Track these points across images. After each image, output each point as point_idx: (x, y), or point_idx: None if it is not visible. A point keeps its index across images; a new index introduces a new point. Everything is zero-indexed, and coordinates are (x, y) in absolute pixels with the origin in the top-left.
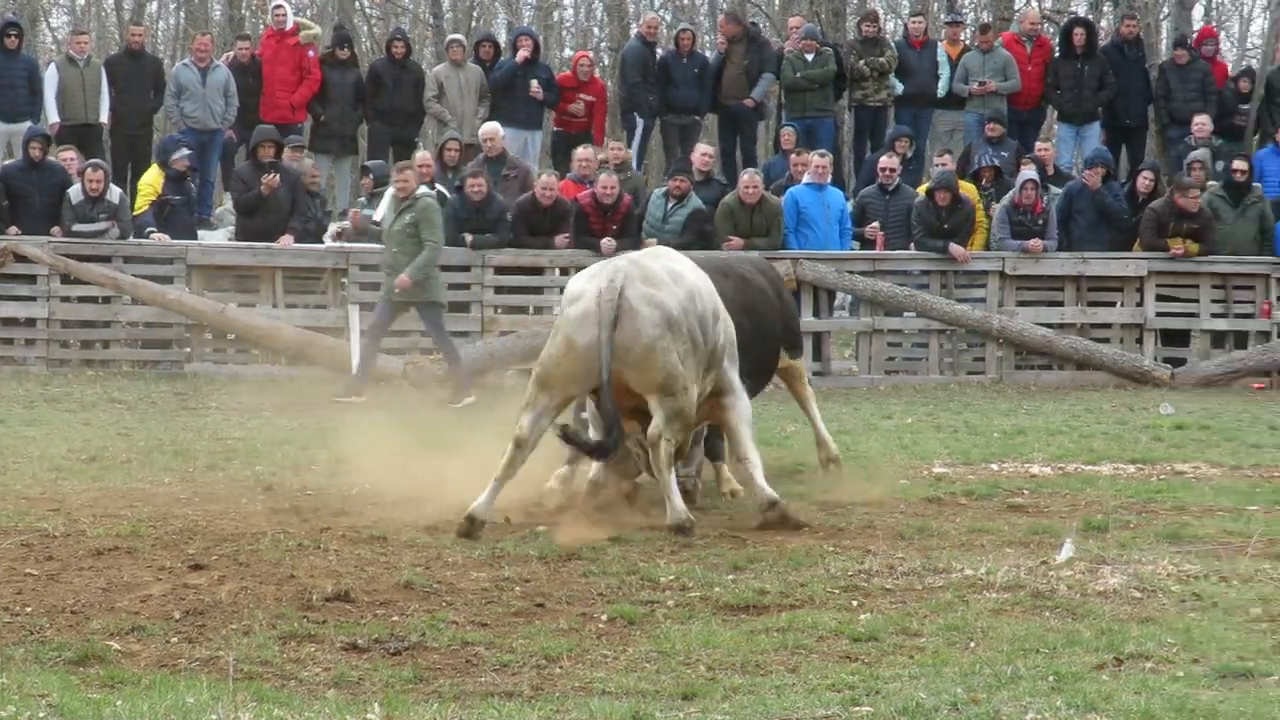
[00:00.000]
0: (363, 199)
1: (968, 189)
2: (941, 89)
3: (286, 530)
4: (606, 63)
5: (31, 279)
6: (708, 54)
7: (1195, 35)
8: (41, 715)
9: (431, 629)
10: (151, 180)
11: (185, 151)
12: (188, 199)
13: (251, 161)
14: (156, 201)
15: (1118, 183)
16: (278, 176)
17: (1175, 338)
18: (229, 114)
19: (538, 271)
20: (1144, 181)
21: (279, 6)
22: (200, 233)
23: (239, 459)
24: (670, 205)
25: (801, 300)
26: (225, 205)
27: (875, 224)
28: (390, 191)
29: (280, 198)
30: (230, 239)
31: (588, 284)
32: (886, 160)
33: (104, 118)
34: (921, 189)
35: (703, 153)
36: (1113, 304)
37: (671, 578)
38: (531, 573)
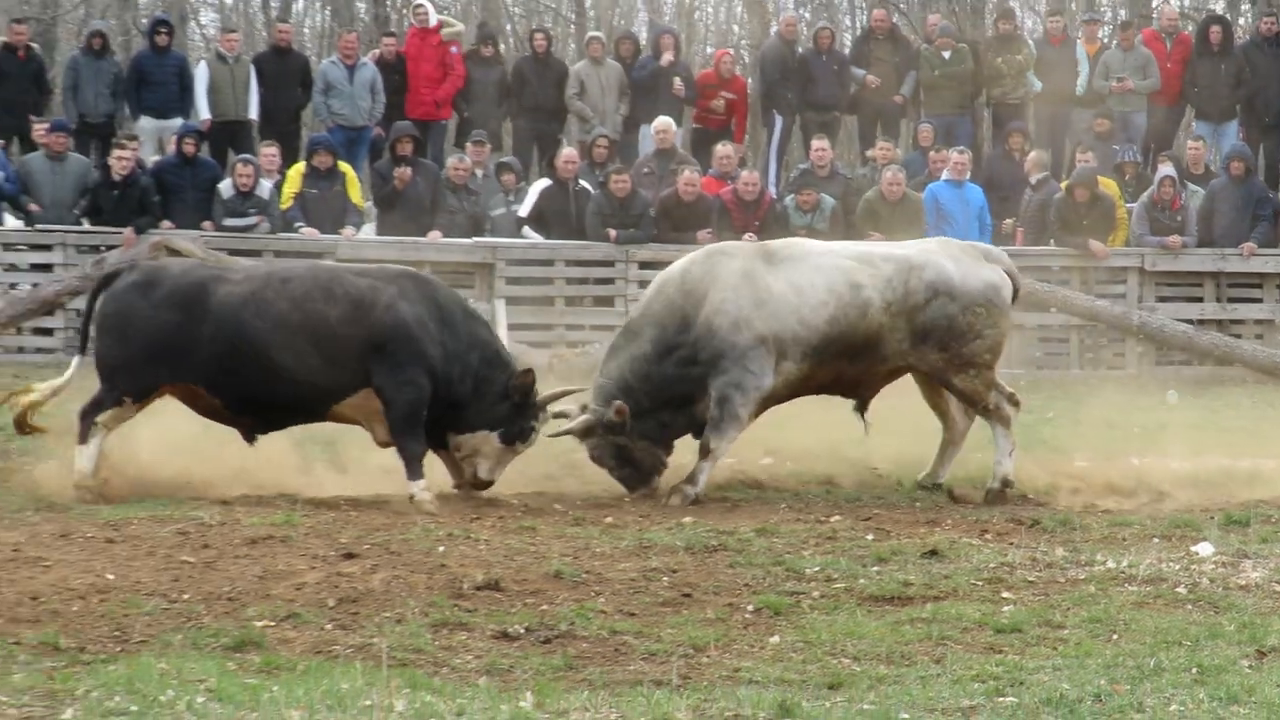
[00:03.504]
0: (511, 196)
1: (1108, 185)
2: (1080, 87)
3: (437, 520)
4: (747, 60)
5: None
6: (846, 51)
7: None
8: (200, 700)
9: (580, 618)
10: (293, 175)
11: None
12: (325, 193)
13: (391, 157)
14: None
15: (1259, 179)
16: (408, 170)
17: None
18: (376, 110)
19: None
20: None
21: (419, 5)
22: (348, 228)
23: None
24: (807, 216)
25: None
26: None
27: None
28: (538, 186)
29: (419, 193)
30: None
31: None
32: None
33: (253, 114)
34: (1063, 184)
35: (818, 149)
36: (1256, 300)
37: (816, 569)
38: (679, 563)
